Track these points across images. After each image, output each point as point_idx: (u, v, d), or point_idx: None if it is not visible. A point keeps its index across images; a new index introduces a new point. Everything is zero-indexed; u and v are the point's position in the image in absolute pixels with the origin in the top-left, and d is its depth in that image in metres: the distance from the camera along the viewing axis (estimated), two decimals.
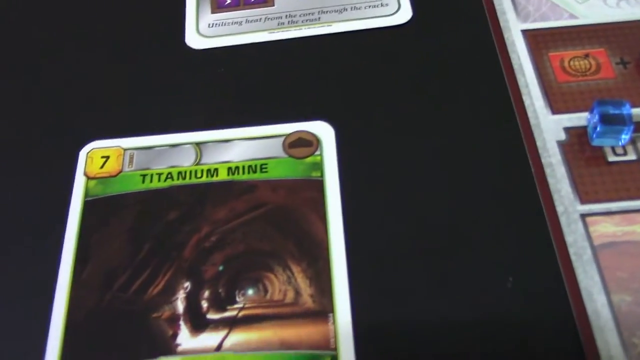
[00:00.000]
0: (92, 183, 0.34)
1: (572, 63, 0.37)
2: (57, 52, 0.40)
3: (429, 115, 0.35)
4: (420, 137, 0.35)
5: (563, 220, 0.31)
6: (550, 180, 0.32)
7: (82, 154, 0.35)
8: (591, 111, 0.33)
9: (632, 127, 0.32)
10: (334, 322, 0.29)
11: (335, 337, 0.28)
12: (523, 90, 0.36)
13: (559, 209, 0.31)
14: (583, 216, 0.31)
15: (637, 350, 0.27)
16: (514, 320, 0.29)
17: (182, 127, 0.36)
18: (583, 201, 0.32)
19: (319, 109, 0.36)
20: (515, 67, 0.37)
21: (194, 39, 0.40)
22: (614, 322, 0.28)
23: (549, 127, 0.34)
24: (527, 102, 0.35)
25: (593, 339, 0.28)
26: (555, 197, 0.32)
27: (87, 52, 0.40)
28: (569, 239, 0.30)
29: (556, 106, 0.35)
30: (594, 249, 0.30)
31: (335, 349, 0.28)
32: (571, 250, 0.30)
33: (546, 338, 0.28)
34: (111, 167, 0.34)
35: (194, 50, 0.39)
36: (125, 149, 0.35)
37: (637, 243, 0.30)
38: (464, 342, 0.28)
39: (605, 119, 0.32)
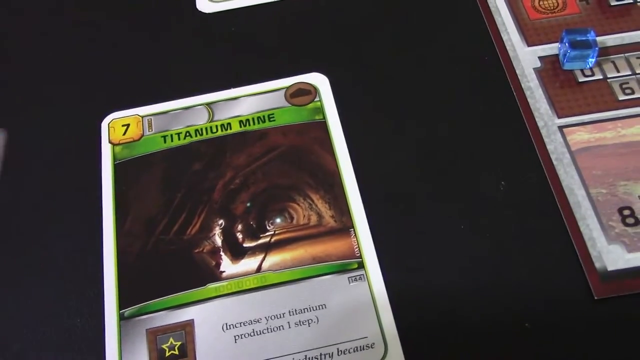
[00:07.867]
0: (118, 148, 0.41)
1: (541, 3, 0.45)
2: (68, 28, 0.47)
3: (416, 54, 0.43)
4: (408, 77, 0.43)
5: (544, 132, 0.39)
6: (530, 101, 0.40)
7: (104, 124, 0.42)
8: (561, 40, 0.41)
9: (597, 50, 0.40)
10: (355, 236, 0.36)
11: (359, 246, 0.36)
12: (501, 28, 0.44)
13: (540, 123, 0.39)
14: (561, 128, 0.39)
15: (614, 231, 0.35)
16: (506, 213, 0.36)
17: (192, 91, 0.43)
18: (560, 115, 0.40)
19: (314, 62, 0.43)
20: (492, 9, 0.45)
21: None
22: (593, 210, 0.36)
23: (526, 57, 0.42)
24: (505, 38, 0.44)
25: (577, 225, 0.36)
26: (536, 114, 0.40)
27: (97, 26, 0.47)
28: (550, 147, 0.38)
29: (530, 39, 0.43)
30: (572, 153, 0.38)
31: (360, 256, 0.35)
32: (553, 157, 0.38)
33: (537, 228, 0.36)
34: (133, 132, 0.41)
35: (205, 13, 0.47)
36: (142, 116, 0.42)
37: (608, 146, 0.38)
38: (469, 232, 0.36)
39: (574, 44, 0.40)
